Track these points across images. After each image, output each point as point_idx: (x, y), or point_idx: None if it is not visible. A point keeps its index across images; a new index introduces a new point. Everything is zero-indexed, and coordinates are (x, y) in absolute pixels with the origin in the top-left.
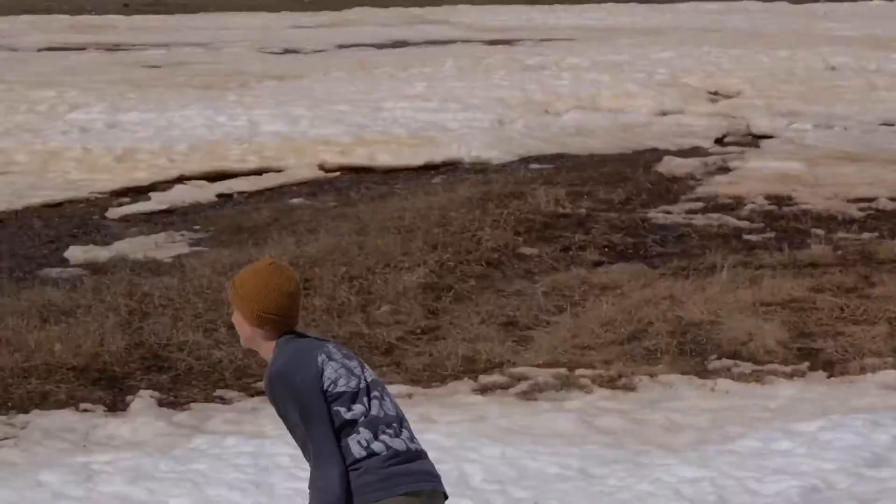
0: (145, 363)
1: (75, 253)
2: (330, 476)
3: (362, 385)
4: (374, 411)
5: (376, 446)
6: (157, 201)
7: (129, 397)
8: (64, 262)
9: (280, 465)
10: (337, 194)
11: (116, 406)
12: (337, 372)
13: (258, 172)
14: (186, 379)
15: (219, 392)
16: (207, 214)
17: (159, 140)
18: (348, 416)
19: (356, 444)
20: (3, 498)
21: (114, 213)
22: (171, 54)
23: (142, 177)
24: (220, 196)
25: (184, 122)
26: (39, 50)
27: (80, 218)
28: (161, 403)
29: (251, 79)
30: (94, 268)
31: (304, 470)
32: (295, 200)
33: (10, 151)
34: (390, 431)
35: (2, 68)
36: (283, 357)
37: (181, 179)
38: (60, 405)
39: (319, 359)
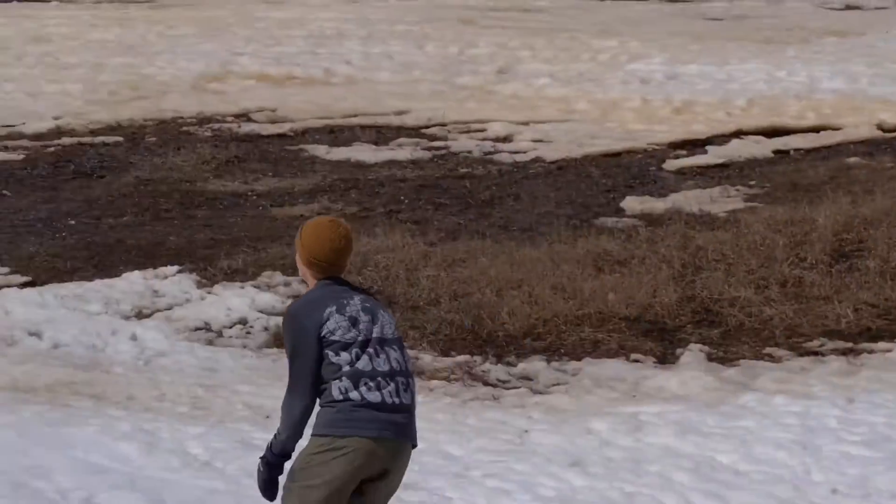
0: (696, 317)
1: (631, 203)
2: (294, 405)
3: (360, 339)
4: (359, 364)
5: (352, 394)
6: (713, 155)
7: (678, 350)
8: (620, 212)
9: (827, 427)
10: (895, 155)
11: (666, 358)
12: (338, 324)
13: (815, 130)
14: (736, 335)
15: (768, 350)
16: (763, 170)
17: (718, 93)
18: (334, 360)
19: (336, 388)
20: (553, 443)
21: (670, 164)
22: (732, 7)
23: (699, 129)
24: (776, 152)
25: (743, 77)
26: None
27: (637, 168)
28: (710, 358)
29: (812, 34)
30: (650, 219)
31: (852, 433)
32: (851, 160)
33: (571, 99)
34: (372, 384)
35: (567, 17)
36: (303, 300)
37: (738, 134)
38: (611, 354)
39: (328, 310)
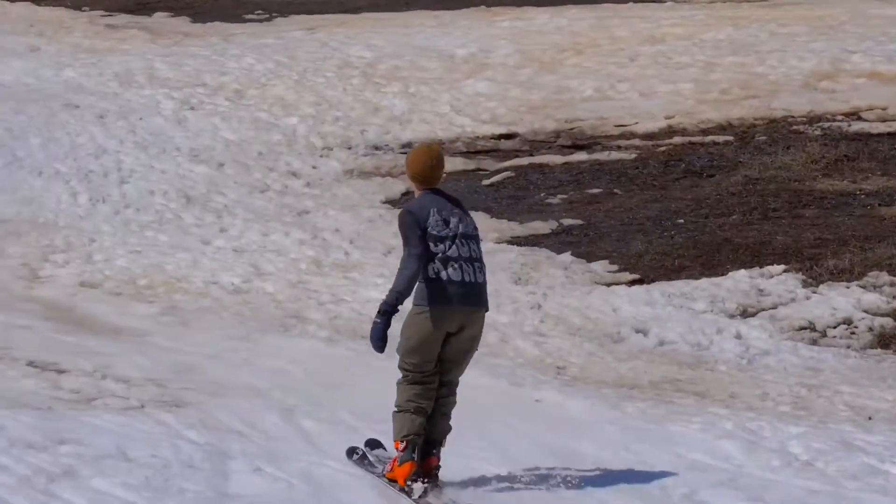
0: None
1: None
2: (408, 268)
3: (450, 234)
4: (449, 252)
5: (442, 274)
6: None
7: None
8: None
9: None
10: None
11: None
12: (434, 220)
13: None
14: None
15: None
16: None
17: None
18: (431, 248)
19: (430, 269)
20: None
21: None
22: None
23: None
24: None
25: None
26: None
27: None
28: None
29: None
30: None
31: None
32: None
33: None
34: (456, 266)
35: None
36: (413, 203)
37: None
38: None
39: (428, 210)
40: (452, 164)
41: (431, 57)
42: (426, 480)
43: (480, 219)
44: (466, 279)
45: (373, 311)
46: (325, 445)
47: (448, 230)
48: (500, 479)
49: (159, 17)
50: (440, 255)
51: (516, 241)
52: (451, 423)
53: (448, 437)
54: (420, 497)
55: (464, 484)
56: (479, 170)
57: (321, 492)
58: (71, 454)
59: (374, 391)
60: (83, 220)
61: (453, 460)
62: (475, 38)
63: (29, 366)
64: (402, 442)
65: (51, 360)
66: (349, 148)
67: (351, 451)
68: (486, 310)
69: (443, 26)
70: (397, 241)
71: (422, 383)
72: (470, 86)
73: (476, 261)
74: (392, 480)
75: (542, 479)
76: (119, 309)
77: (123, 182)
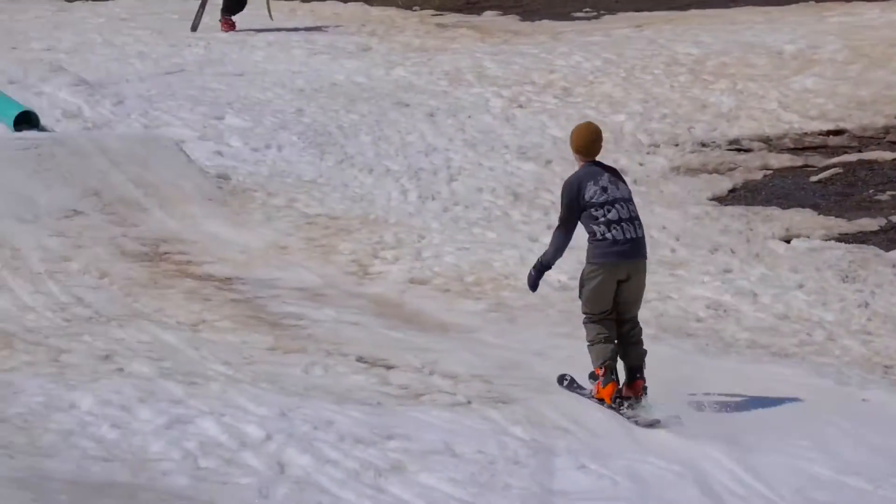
0: None
1: None
2: (561, 238)
3: (608, 199)
4: (610, 215)
5: (607, 235)
6: None
7: None
8: None
9: None
10: None
11: None
12: (593, 190)
13: None
14: None
15: None
16: None
17: None
18: (594, 213)
19: (597, 231)
20: None
21: None
22: None
23: None
24: None
25: None
26: None
27: None
28: None
29: None
30: None
31: None
32: None
33: None
34: (617, 227)
35: None
36: (574, 174)
37: None
38: None
39: (587, 182)
40: (779, 160)
41: (759, 53)
42: (631, 400)
43: (807, 215)
44: (628, 236)
45: (700, 309)
46: (650, 443)
47: (607, 195)
48: (824, 479)
49: (488, 15)
50: (603, 218)
51: (844, 238)
52: (644, 347)
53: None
54: (626, 410)
55: (787, 483)
56: (807, 166)
57: (645, 489)
58: (399, 449)
59: (710, 382)
60: (413, 217)
61: (776, 458)
62: (803, 34)
63: (358, 361)
64: (601, 368)
65: (380, 356)
66: (676, 145)
67: (561, 379)
68: (646, 258)
69: (771, 22)
70: (725, 239)
71: (601, 322)
72: (798, 82)
73: (635, 219)
74: (600, 400)
75: (869, 480)
76: (446, 305)
77: (452, 180)
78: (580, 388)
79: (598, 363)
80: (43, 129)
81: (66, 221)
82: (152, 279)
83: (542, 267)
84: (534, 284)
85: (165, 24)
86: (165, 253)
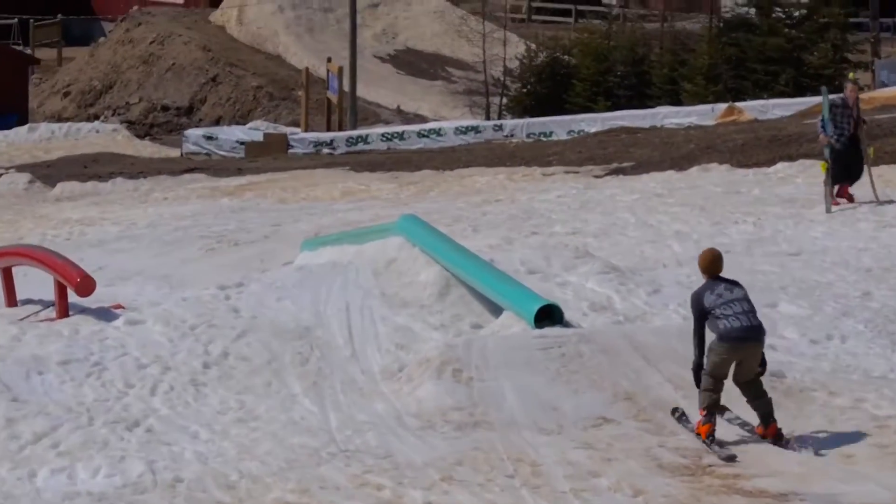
0: None
1: None
2: (693, 344)
3: (725, 301)
4: (727, 311)
5: (729, 326)
6: None
7: None
8: None
9: None
10: None
11: None
12: (712, 298)
13: None
14: None
15: None
16: None
17: None
18: (717, 312)
19: (721, 326)
20: None
21: None
22: None
23: None
24: None
25: None
26: None
27: None
28: None
29: None
30: None
31: None
32: None
33: None
34: (734, 320)
35: None
36: (698, 288)
37: None
38: None
39: (706, 293)
40: None
41: None
42: (774, 440)
43: None
44: (744, 324)
45: None
46: None
47: (722, 299)
48: None
49: None
50: (720, 314)
51: None
52: (768, 397)
53: None
54: (718, 448)
55: None
56: None
57: None
58: None
59: None
60: None
61: None
62: None
63: None
64: (704, 410)
65: None
66: None
67: (674, 410)
68: (761, 342)
69: None
70: None
71: (714, 389)
72: None
73: (749, 312)
74: (698, 434)
75: None
76: None
77: None
78: (687, 422)
79: (702, 406)
80: (567, 325)
81: (595, 431)
82: (693, 496)
83: (696, 367)
84: (696, 377)
85: (707, 198)
86: (709, 466)
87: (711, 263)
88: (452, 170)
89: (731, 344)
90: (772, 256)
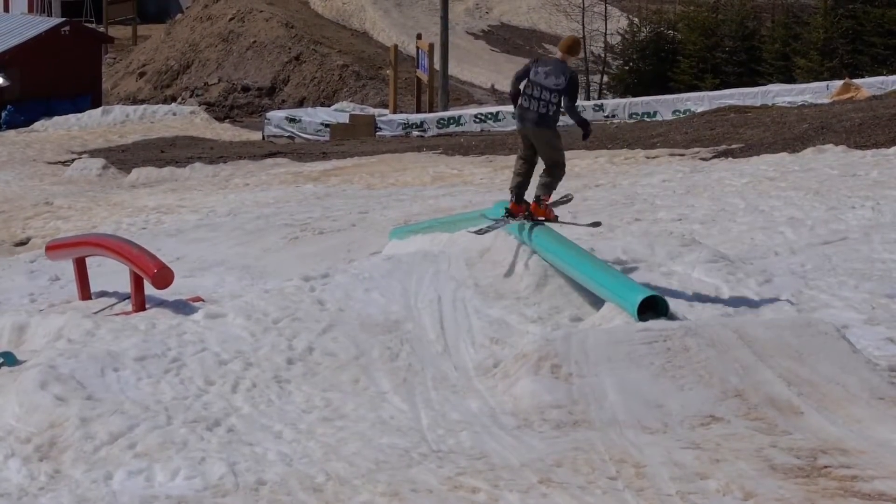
0: None
1: None
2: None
3: (533, 80)
4: (528, 90)
5: (522, 103)
6: None
7: None
8: None
9: None
10: None
11: None
12: (532, 71)
13: None
14: None
15: None
16: None
17: None
18: (520, 87)
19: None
20: None
21: None
22: None
23: None
24: None
25: None
26: None
27: None
28: None
29: None
30: None
31: None
32: None
33: None
34: (528, 101)
35: None
36: (541, 59)
37: None
38: None
39: (536, 65)
40: None
41: None
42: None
43: None
44: (532, 107)
45: None
46: None
47: (529, 83)
48: None
49: None
50: (524, 92)
51: None
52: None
53: None
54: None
55: None
56: None
57: None
58: None
59: None
60: None
61: None
62: None
63: None
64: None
65: None
66: None
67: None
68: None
69: None
70: None
71: (514, 169)
72: None
73: (538, 99)
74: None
75: None
76: None
77: None
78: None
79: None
80: (672, 318)
81: (702, 430)
82: (808, 500)
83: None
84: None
85: (822, 181)
86: (825, 467)
87: (563, 46)
88: None
89: (517, 122)
90: (891, 244)
